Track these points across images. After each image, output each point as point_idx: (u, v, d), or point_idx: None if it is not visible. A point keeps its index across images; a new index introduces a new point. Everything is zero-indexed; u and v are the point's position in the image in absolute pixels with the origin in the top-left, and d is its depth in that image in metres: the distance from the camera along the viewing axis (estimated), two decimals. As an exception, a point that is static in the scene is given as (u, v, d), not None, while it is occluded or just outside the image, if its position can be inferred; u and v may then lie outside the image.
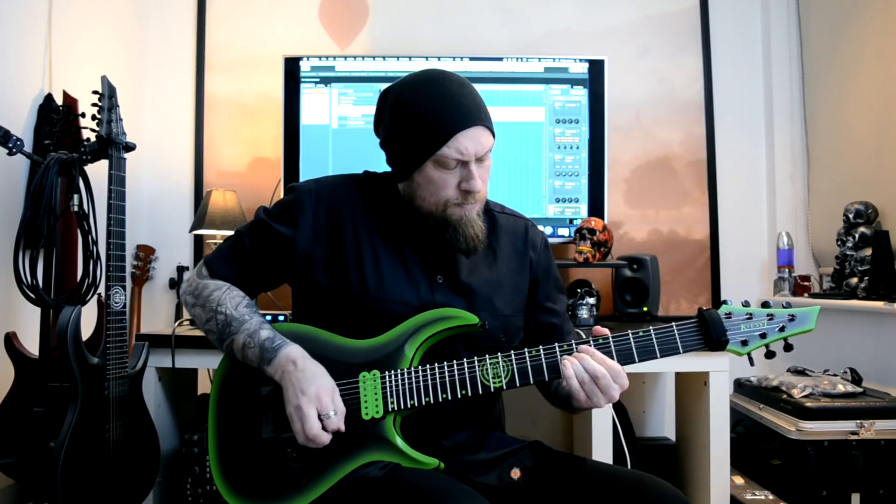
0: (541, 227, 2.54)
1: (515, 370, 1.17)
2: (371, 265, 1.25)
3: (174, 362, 2.00)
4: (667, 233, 2.90)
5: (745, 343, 1.15)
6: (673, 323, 1.16)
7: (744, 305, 1.16)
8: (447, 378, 1.17)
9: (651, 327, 1.16)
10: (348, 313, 1.23)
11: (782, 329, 1.14)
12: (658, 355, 1.15)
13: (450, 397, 1.17)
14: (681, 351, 1.15)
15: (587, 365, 1.12)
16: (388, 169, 1.31)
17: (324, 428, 1.12)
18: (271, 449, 1.19)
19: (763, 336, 1.14)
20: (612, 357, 1.15)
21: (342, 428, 1.14)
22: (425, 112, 1.18)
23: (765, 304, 1.17)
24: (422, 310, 1.22)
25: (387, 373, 1.18)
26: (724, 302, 1.17)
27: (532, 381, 1.17)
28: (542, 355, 1.17)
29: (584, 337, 1.35)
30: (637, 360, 1.16)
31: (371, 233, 1.27)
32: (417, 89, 1.21)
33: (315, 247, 1.26)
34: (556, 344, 1.17)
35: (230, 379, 1.25)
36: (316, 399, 1.12)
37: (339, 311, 1.23)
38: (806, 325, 1.15)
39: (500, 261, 1.33)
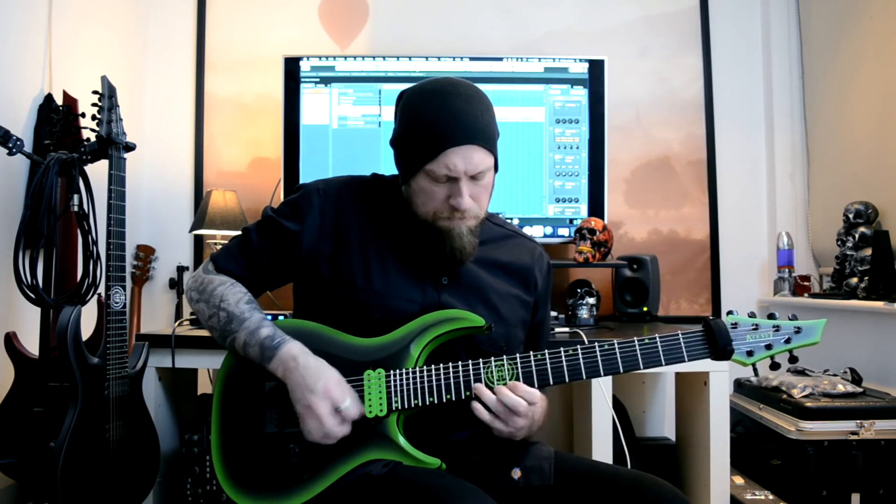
0: (540, 227, 2.58)
1: (520, 374, 1.18)
2: (376, 263, 1.25)
3: (174, 362, 2.00)
4: (667, 233, 2.90)
5: (750, 354, 1.16)
6: (679, 332, 1.17)
7: (750, 316, 1.17)
8: (451, 379, 1.18)
9: (657, 335, 1.17)
10: (353, 309, 1.23)
11: (788, 341, 1.15)
12: (663, 363, 1.16)
13: (454, 398, 1.17)
14: (686, 360, 1.16)
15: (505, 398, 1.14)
16: (395, 171, 1.32)
17: (344, 419, 1.13)
18: (274, 444, 1.19)
19: (768, 347, 1.15)
20: (617, 363, 1.16)
21: (363, 411, 1.15)
22: (423, 123, 1.19)
23: (771, 316, 1.18)
24: (427, 308, 1.22)
25: (392, 372, 1.18)
26: (731, 312, 1.19)
27: (536, 386, 1.18)
28: (548, 360, 1.18)
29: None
30: (642, 367, 1.17)
31: (377, 233, 1.28)
32: (423, 98, 1.22)
33: (321, 242, 1.26)
34: (562, 349, 1.18)
35: (235, 373, 1.26)
36: (325, 394, 1.13)
37: (344, 307, 1.24)
38: (812, 337, 1.15)
39: (507, 272, 1.34)
